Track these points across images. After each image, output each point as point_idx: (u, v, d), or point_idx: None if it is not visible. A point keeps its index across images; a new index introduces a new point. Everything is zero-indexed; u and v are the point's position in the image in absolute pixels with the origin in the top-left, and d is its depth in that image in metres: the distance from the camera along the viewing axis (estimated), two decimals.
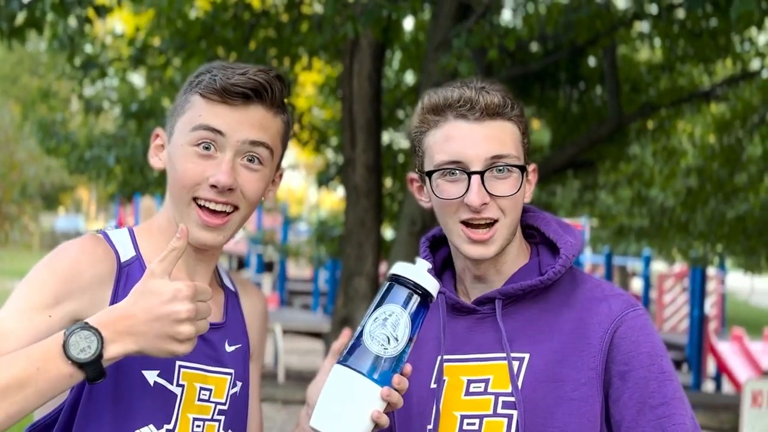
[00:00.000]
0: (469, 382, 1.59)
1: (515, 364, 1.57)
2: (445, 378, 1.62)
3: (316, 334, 12.00)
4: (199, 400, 1.57)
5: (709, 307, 14.62)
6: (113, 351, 1.33)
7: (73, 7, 5.37)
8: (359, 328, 1.43)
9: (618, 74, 7.89)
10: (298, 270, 20.20)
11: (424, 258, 1.70)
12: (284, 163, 1.69)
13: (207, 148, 1.54)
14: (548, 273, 1.60)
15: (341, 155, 8.18)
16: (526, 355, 1.57)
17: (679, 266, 15.50)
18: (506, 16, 9.07)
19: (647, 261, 15.75)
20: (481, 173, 1.55)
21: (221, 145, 1.54)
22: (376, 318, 1.42)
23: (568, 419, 1.53)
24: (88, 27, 5.96)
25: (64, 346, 1.31)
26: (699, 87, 8.70)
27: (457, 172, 1.57)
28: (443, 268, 1.75)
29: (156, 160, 1.64)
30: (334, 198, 24.03)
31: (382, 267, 7.55)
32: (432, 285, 1.45)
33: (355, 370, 1.40)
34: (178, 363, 1.54)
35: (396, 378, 1.41)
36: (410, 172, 1.71)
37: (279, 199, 18.25)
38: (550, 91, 8.82)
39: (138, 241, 1.59)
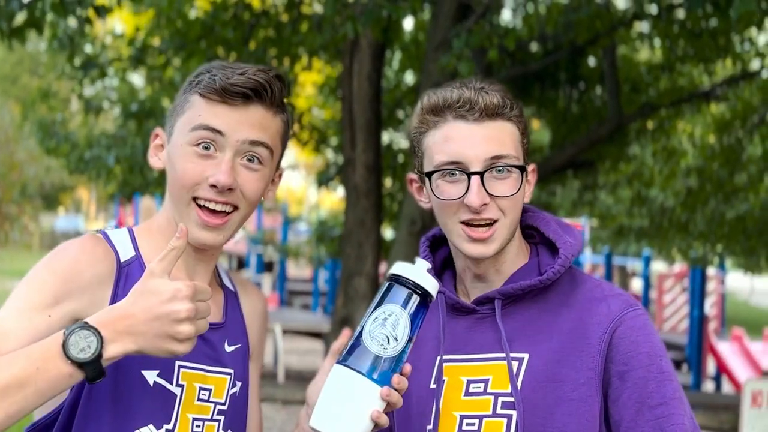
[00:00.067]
0: (469, 382, 1.59)
1: (515, 364, 1.57)
2: (444, 378, 1.62)
3: (315, 334, 12.00)
4: (199, 400, 1.57)
5: (709, 307, 14.62)
6: (113, 351, 1.33)
7: (73, 6, 5.37)
8: (359, 328, 1.43)
9: (618, 74, 7.89)
10: (297, 270, 20.20)
11: (423, 258, 1.70)
12: (284, 163, 1.70)
13: (207, 148, 1.54)
14: (547, 273, 1.60)
15: (341, 155, 8.19)
16: (526, 356, 1.57)
17: (679, 266, 15.50)
18: (506, 16, 9.08)
19: (647, 261, 15.76)
20: (481, 174, 1.55)
21: (221, 144, 1.54)
22: (376, 318, 1.42)
23: (567, 419, 1.53)
24: (88, 27, 5.96)
25: (64, 346, 1.31)
26: (699, 87, 8.70)
27: (457, 172, 1.57)
28: (443, 268, 1.75)
29: (155, 160, 1.64)
30: (334, 198, 24.04)
31: (382, 267, 7.55)
32: (431, 285, 1.45)
33: (354, 370, 1.40)
34: (177, 363, 1.54)
35: (395, 378, 1.41)
36: (409, 173, 1.71)
37: (279, 199, 18.25)
38: (549, 91, 8.82)
39: (138, 241, 1.60)
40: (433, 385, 1.62)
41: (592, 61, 8.69)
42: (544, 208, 1.94)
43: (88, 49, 8.07)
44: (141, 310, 1.34)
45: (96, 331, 1.32)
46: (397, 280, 1.44)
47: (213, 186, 1.53)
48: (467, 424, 1.57)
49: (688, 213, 9.83)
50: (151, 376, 1.52)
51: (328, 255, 12.32)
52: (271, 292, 15.96)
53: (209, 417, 1.59)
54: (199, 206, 1.55)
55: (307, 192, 38.16)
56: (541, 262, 1.66)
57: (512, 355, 1.58)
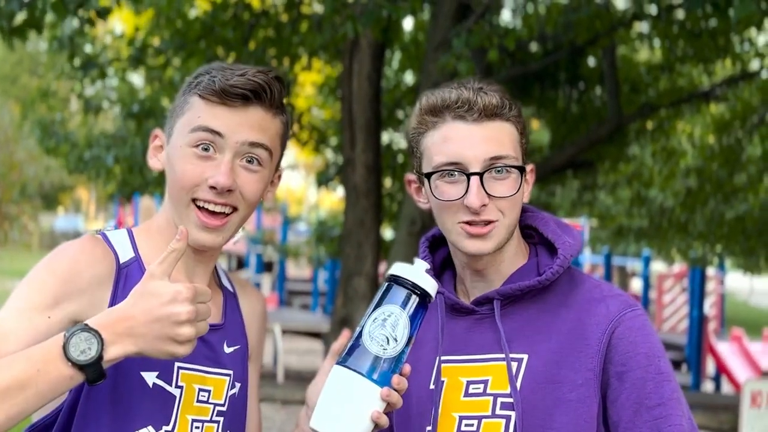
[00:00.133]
0: (469, 383, 1.59)
1: (514, 365, 1.57)
2: (444, 379, 1.62)
3: (315, 334, 12.00)
4: (198, 401, 1.57)
5: (709, 307, 14.62)
6: (113, 353, 1.34)
7: (74, 6, 5.36)
8: (358, 329, 1.43)
9: (617, 74, 7.89)
10: (297, 270, 20.21)
11: (423, 258, 1.70)
12: (284, 163, 1.70)
13: (206, 150, 1.54)
14: (546, 273, 1.60)
15: (341, 155, 8.18)
16: (525, 356, 1.57)
17: (679, 266, 15.51)
18: (506, 16, 9.08)
19: (646, 261, 15.76)
20: (480, 174, 1.55)
21: (220, 146, 1.54)
22: (375, 318, 1.42)
23: (565, 420, 1.53)
24: (89, 27, 5.95)
25: (65, 348, 1.31)
26: (698, 87, 8.70)
27: (456, 173, 1.56)
28: (443, 268, 1.75)
29: (155, 161, 1.64)
30: (333, 198, 24.04)
31: (382, 267, 7.55)
32: (430, 285, 1.45)
33: (354, 370, 1.40)
34: (176, 364, 1.54)
35: (395, 378, 1.41)
36: (408, 174, 1.71)
37: (278, 199, 18.24)
38: (549, 92, 8.82)
39: (137, 242, 1.60)
40: (432, 386, 1.62)
41: (591, 62, 8.69)
42: (543, 208, 1.94)
43: (87, 49, 8.07)
44: (141, 312, 1.34)
45: (96, 333, 1.32)
46: (396, 280, 1.45)
47: (212, 187, 1.53)
48: (466, 425, 1.57)
49: (687, 213, 9.83)
50: (150, 377, 1.52)
51: (328, 255, 12.32)
52: (270, 292, 15.97)
53: (208, 418, 1.59)
54: (199, 207, 1.55)
55: (306, 192, 38.17)
56: (540, 263, 1.66)
57: (511, 355, 1.58)
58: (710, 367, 13.05)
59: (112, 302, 1.49)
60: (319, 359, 12.03)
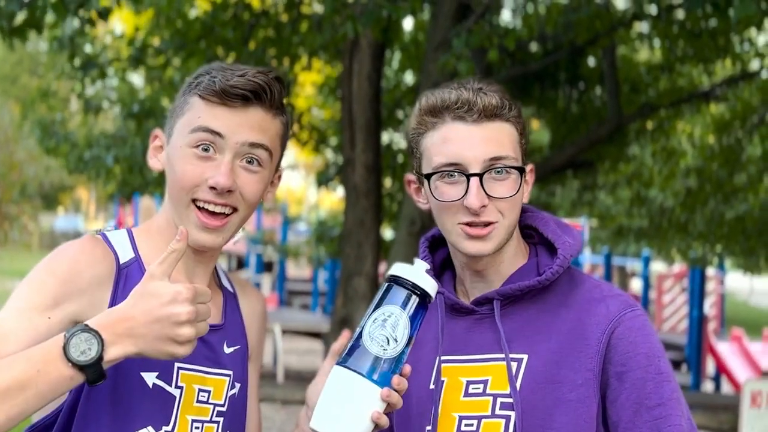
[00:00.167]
0: (468, 383, 1.59)
1: (514, 365, 1.57)
2: (444, 379, 1.62)
3: (315, 334, 12.00)
4: (198, 401, 1.57)
5: (709, 307, 14.62)
6: (113, 353, 1.34)
7: (75, 7, 5.36)
8: (358, 329, 1.43)
9: (617, 74, 7.89)
10: (297, 270, 20.21)
11: (423, 258, 1.70)
12: (283, 163, 1.70)
13: (206, 150, 1.54)
14: (546, 274, 1.60)
15: (341, 155, 8.18)
16: (525, 356, 1.57)
17: (679, 266, 15.51)
18: (506, 16, 9.08)
19: (646, 261, 15.76)
20: (480, 175, 1.55)
21: (220, 147, 1.54)
22: (376, 319, 1.42)
23: (564, 420, 1.53)
24: (89, 27, 5.95)
25: (65, 349, 1.31)
26: (698, 87, 8.70)
27: (456, 174, 1.56)
28: (442, 268, 1.75)
29: (155, 162, 1.64)
30: (333, 198, 24.04)
31: (382, 267, 7.55)
32: (430, 285, 1.45)
33: (354, 371, 1.40)
34: (176, 365, 1.54)
35: (395, 379, 1.41)
36: (408, 174, 1.71)
37: (278, 199, 18.24)
38: (549, 92, 8.81)
39: (137, 242, 1.60)
40: (432, 386, 1.62)
41: (591, 62, 8.69)
42: (543, 208, 1.94)
43: (87, 49, 8.07)
44: (141, 312, 1.34)
45: (97, 334, 1.32)
46: (395, 281, 1.45)
47: (212, 188, 1.53)
48: (466, 425, 1.57)
49: (687, 213, 9.83)
50: (150, 377, 1.52)
51: (328, 255, 12.32)
52: (270, 292, 15.98)
53: (208, 418, 1.59)
54: (199, 208, 1.55)
55: (306, 192, 38.17)
56: (540, 263, 1.66)
57: (511, 355, 1.58)
58: (710, 367, 13.05)
59: (112, 302, 1.49)
60: (319, 359, 12.03)
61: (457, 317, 1.66)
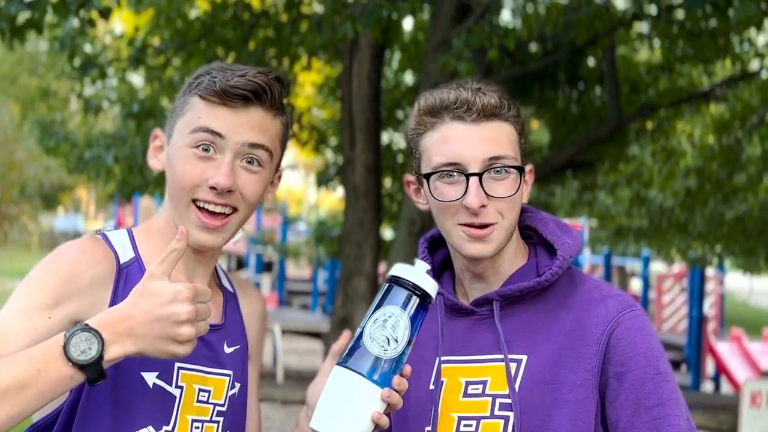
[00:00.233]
0: (468, 383, 1.59)
1: (513, 366, 1.57)
2: (443, 379, 1.62)
3: (315, 334, 12.01)
4: (198, 401, 1.58)
5: (708, 307, 14.62)
6: (113, 352, 1.34)
7: (76, 7, 5.36)
8: (359, 330, 1.44)
9: (617, 75, 7.89)
10: (297, 270, 20.21)
11: (422, 259, 1.70)
12: (283, 163, 1.70)
13: (206, 150, 1.54)
14: (545, 275, 1.60)
15: (340, 155, 8.19)
16: (524, 357, 1.57)
17: (678, 267, 15.50)
18: (505, 16, 9.08)
19: (646, 261, 15.76)
20: (479, 175, 1.55)
21: (220, 147, 1.54)
22: (376, 319, 1.42)
23: (563, 421, 1.53)
24: (89, 27, 5.95)
25: (65, 348, 1.31)
26: (698, 87, 8.70)
27: (455, 174, 1.56)
28: (442, 269, 1.75)
29: (155, 162, 1.64)
30: (333, 198, 24.04)
31: (381, 267, 7.55)
32: (431, 286, 1.45)
33: (355, 371, 1.40)
34: (176, 364, 1.54)
35: (396, 379, 1.42)
36: (407, 174, 1.71)
37: (278, 199, 18.25)
38: (549, 92, 8.82)
39: (137, 242, 1.60)
40: (431, 387, 1.62)
41: (591, 62, 8.69)
42: (543, 209, 1.94)
43: (87, 49, 8.07)
44: (141, 311, 1.35)
45: (97, 333, 1.33)
46: (396, 281, 1.45)
47: (212, 188, 1.53)
48: (465, 425, 1.57)
49: (687, 213, 9.83)
50: (150, 377, 1.52)
51: (328, 255, 12.32)
52: (270, 292, 15.98)
53: (208, 418, 1.59)
54: (199, 208, 1.55)
55: (306, 192, 38.16)
56: (540, 263, 1.66)
57: (511, 356, 1.58)
58: (710, 367, 13.05)
59: (113, 302, 1.49)
60: (319, 359, 12.03)
61: (456, 318, 1.66)
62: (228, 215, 1.57)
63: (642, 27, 7.91)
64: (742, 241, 10.30)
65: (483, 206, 1.55)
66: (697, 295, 12.58)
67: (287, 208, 18.58)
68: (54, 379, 1.32)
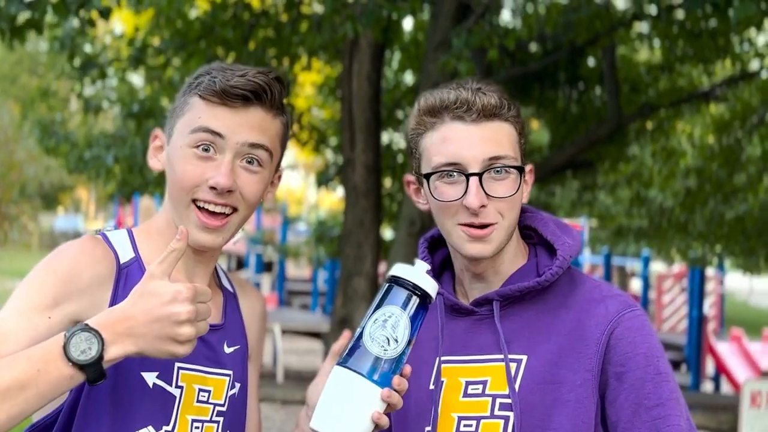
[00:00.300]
0: (468, 383, 1.59)
1: (513, 366, 1.57)
2: (443, 379, 1.62)
3: (315, 334, 12.01)
4: (198, 401, 1.58)
5: (708, 307, 14.62)
6: (113, 352, 1.34)
7: (76, 7, 5.36)
8: (359, 330, 1.44)
9: (617, 75, 7.89)
10: (297, 270, 20.21)
11: (422, 259, 1.70)
12: (283, 163, 1.70)
13: (206, 150, 1.54)
14: (545, 275, 1.60)
15: (340, 155, 8.19)
16: (524, 357, 1.57)
17: (678, 267, 15.50)
18: (505, 16, 9.08)
19: (646, 261, 15.76)
20: (479, 175, 1.55)
21: (220, 147, 1.54)
22: (376, 319, 1.42)
23: (563, 421, 1.53)
24: (89, 27, 5.95)
25: (65, 348, 1.31)
26: (698, 87, 8.70)
27: (455, 174, 1.56)
28: (442, 269, 1.75)
29: (155, 162, 1.64)
30: (333, 198, 24.04)
31: (381, 267, 7.55)
32: (431, 286, 1.45)
33: (355, 371, 1.40)
34: (176, 364, 1.54)
35: (396, 379, 1.42)
36: (407, 175, 1.71)
37: (278, 199, 18.25)
38: (549, 92, 8.82)
39: (137, 242, 1.60)
40: (431, 387, 1.62)
41: (591, 62, 8.69)
42: (543, 209, 1.94)
43: (87, 49, 8.07)
44: (141, 311, 1.35)
45: (97, 333, 1.33)
46: (396, 281, 1.45)
47: (212, 188, 1.53)
48: (465, 425, 1.57)
49: (687, 213, 9.83)
50: (150, 377, 1.52)
51: (328, 255, 12.32)
52: (270, 292, 15.98)
53: (208, 418, 1.59)
54: (199, 208, 1.55)
55: (306, 192, 38.16)
56: (540, 264, 1.66)
57: (511, 356, 1.58)
58: (710, 367, 13.05)
59: (113, 302, 1.49)
60: (319, 359, 12.03)
61: (456, 318, 1.66)
62: (228, 215, 1.57)
63: (642, 27, 7.91)
64: (742, 241, 10.30)
65: (483, 206, 1.55)
66: (697, 295, 12.58)
67: (287, 208, 18.58)
68: (54, 379, 1.32)
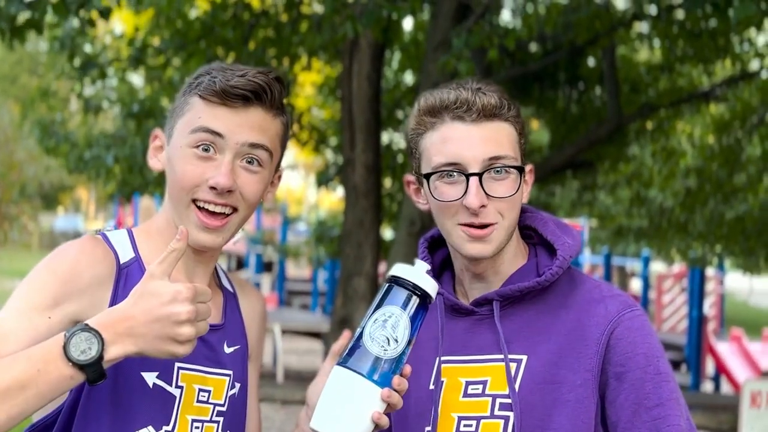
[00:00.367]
0: (468, 383, 1.59)
1: (513, 366, 1.57)
2: (443, 379, 1.62)
3: (315, 334, 12.01)
4: (198, 401, 1.58)
5: (708, 307, 14.62)
6: (113, 352, 1.34)
7: (76, 7, 5.36)
8: (359, 330, 1.44)
9: (617, 75, 7.89)
10: (297, 270, 20.21)
11: (422, 259, 1.70)
12: (283, 163, 1.70)
13: (206, 150, 1.54)
14: (545, 275, 1.60)
15: (340, 155, 8.19)
16: (524, 357, 1.57)
17: (678, 267, 15.50)
18: (505, 16, 9.08)
19: (646, 261, 15.76)
20: (479, 175, 1.55)
21: (221, 147, 1.54)
22: (376, 319, 1.42)
23: (563, 421, 1.53)
24: (89, 28, 5.95)
25: (65, 348, 1.31)
26: (698, 87, 8.71)
27: (455, 174, 1.56)
28: (442, 269, 1.75)
29: (155, 162, 1.64)
30: (333, 198, 24.04)
31: (381, 267, 7.55)
32: (431, 286, 1.45)
33: (355, 371, 1.40)
34: (176, 364, 1.54)
35: (396, 379, 1.42)
36: (407, 174, 1.71)
37: (278, 199, 18.25)
38: (549, 92, 8.82)
39: (137, 242, 1.60)
40: (431, 387, 1.62)
41: (591, 62, 8.69)
42: (543, 209, 1.94)
43: (87, 49, 8.07)
44: (141, 311, 1.35)
45: (97, 333, 1.33)
46: (396, 281, 1.45)
47: (213, 188, 1.53)
48: (465, 426, 1.57)
49: (687, 213, 9.83)
50: (150, 377, 1.52)
51: (328, 255, 12.32)
52: (270, 292, 15.98)
53: (208, 418, 1.59)
54: (199, 208, 1.55)
55: (306, 192, 38.17)
56: (540, 264, 1.66)
57: (511, 356, 1.58)
58: (710, 367, 13.05)
59: (113, 302, 1.49)
60: (319, 359, 12.03)
61: (456, 318, 1.66)
62: (228, 215, 1.57)
63: (642, 27, 7.91)
64: (742, 241, 10.30)
65: (483, 206, 1.55)
66: (697, 295, 12.58)
67: (287, 208, 18.58)
68: (54, 379, 1.32)
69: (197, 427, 1.57)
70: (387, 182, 9.02)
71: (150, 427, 1.52)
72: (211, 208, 1.55)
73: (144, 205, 17.60)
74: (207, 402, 1.59)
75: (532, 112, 9.21)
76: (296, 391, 9.07)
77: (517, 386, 1.55)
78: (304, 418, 1.74)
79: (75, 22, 6.51)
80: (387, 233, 9.50)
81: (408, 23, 9.08)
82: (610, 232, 12.81)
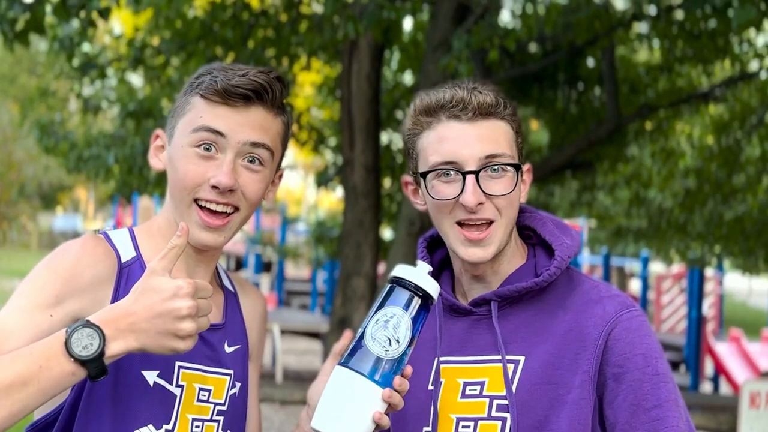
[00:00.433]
0: (465, 384, 1.59)
1: (510, 366, 1.57)
2: (441, 380, 1.62)
3: (314, 335, 12.01)
4: (198, 400, 1.58)
5: (707, 308, 14.61)
6: (115, 348, 1.34)
7: (76, 9, 5.36)
8: (360, 330, 1.44)
9: (616, 75, 7.90)
10: (296, 270, 20.20)
11: (421, 259, 1.70)
12: (283, 163, 1.70)
13: (208, 150, 1.55)
14: (543, 275, 1.60)
15: (340, 156, 8.19)
16: (522, 358, 1.57)
17: (677, 267, 15.50)
18: (505, 16, 9.08)
19: (645, 262, 15.75)
20: (476, 173, 1.55)
21: (222, 146, 1.55)
22: (378, 320, 1.43)
23: (560, 422, 1.53)
24: (90, 28, 5.95)
25: (67, 344, 1.32)
26: (697, 88, 8.71)
27: (452, 172, 1.57)
28: (441, 269, 1.75)
29: (156, 161, 1.64)
30: (332, 198, 24.04)
31: (381, 267, 7.55)
32: (433, 287, 1.46)
33: (356, 371, 1.40)
34: (177, 363, 1.55)
35: (397, 380, 1.42)
36: (404, 175, 1.71)
37: (277, 199, 18.24)
38: (548, 92, 8.82)
39: (138, 241, 1.60)
40: (430, 387, 1.62)
41: (590, 62, 8.69)
42: (542, 209, 1.94)
43: (87, 49, 8.06)
44: (143, 307, 1.35)
45: (98, 329, 1.33)
46: (398, 282, 1.45)
47: (214, 187, 1.54)
48: (463, 427, 1.57)
49: (686, 214, 9.83)
50: (151, 376, 1.52)
51: (327, 255, 12.32)
52: (269, 292, 15.97)
53: (209, 417, 1.59)
54: (200, 207, 1.56)
55: (305, 192, 38.15)
56: (538, 264, 1.66)
57: (508, 357, 1.58)
58: (709, 367, 13.05)
59: (114, 301, 1.50)
60: (318, 359, 12.04)
61: (455, 318, 1.66)
62: (229, 214, 1.57)
63: (641, 27, 7.91)
64: (741, 242, 10.30)
65: (480, 204, 1.55)
66: (696, 295, 12.57)
67: (286, 209, 18.58)
68: (56, 375, 1.32)
69: (197, 426, 1.57)
70: (386, 182, 9.02)
71: (150, 426, 1.52)
72: (212, 207, 1.55)
73: (143, 205, 17.60)
74: (207, 401, 1.59)
75: (532, 112, 9.22)
76: (295, 392, 9.07)
77: (514, 387, 1.55)
78: (305, 418, 1.75)
79: (75, 23, 6.50)
80: (386, 233, 9.50)
81: (408, 24, 9.09)
82: (609, 232, 12.82)
